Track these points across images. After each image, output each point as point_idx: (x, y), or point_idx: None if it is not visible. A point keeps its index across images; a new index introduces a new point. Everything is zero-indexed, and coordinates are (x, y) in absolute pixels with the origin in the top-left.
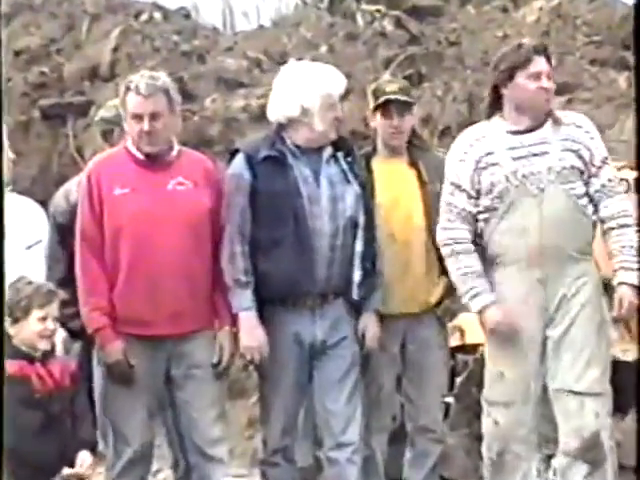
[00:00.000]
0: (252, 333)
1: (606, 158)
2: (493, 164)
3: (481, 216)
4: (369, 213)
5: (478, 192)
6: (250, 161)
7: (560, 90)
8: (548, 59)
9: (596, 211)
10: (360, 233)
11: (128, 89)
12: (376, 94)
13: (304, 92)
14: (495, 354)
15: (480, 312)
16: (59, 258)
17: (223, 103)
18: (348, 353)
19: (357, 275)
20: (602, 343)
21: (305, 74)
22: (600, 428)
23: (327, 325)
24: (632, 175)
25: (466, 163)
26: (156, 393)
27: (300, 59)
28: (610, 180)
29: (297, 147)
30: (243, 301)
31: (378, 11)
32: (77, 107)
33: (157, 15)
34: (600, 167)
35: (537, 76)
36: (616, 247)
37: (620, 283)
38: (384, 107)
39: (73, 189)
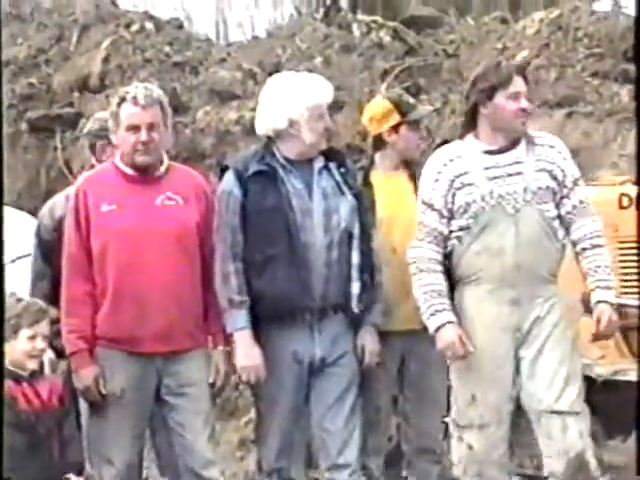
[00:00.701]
0: (248, 353)
1: (578, 179)
2: (469, 184)
3: (454, 235)
4: (365, 224)
5: (451, 212)
6: (240, 177)
7: (560, 103)
8: (526, 79)
9: (568, 233)
10: (356, 244)
11: (123, 100)
12: (402, 108)
13: (290, 104)
14: (465, 376)
15: (436, 331)
16: (44, 274)
17: (216, 115)
18: (347, 370)
19: (355, 287)
20: (576, 362)
21: (290, 85)
22: (585, 447)
23: (327, 342)
24: (634, 190)
25: (440, 183)
26: (144, 413)
27: (295, 70)
28: (581, 202)
29: (287, 160)
30: (238, 321)
31: (375, 22)
32: (66, 119)
33: (149, 25)
34: (572, 188)
35: (516, 97)
36: (591, 267)
37: (598, 302)
38: (415, 120)
39: (58, 205)
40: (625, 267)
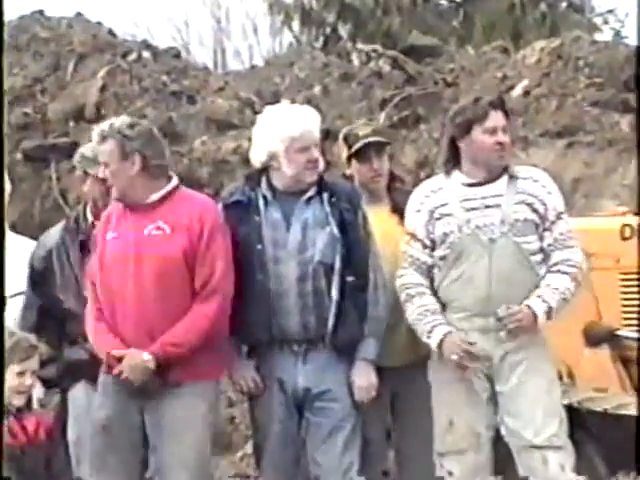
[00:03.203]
0: (241, 364)
1: (561, 213)
2: (447, 215)
3: (436, 265)
4: (357, 256)
5: (433, 242)
6: (225, 208)
7: (561, 133)
8: (506, 114)
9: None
10: (335, 278)
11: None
12: (349, 140)
13: (268, 137)
14: (441, 402)
15: (440, 345)
16: (32, 304)
17: (213, 145)
18: (337, 406)
19: (330, 322)
20: (555, 395)
21: (271, 118)
22: None
23: (311, 372)
24: (635, 221)
25: (421, 213)
26: (132, 449)
27: (293, 100)
28: (562, 234)
29: (274, 191)
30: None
31: (374, 51)
32: (61, 149)
33: (146, 54)
34: (554, 222)
35: (493, 131)
36: (542, 284)
37: (524, 304)
38: (361, 152)
39: (52, 233)
40: (627, 299)
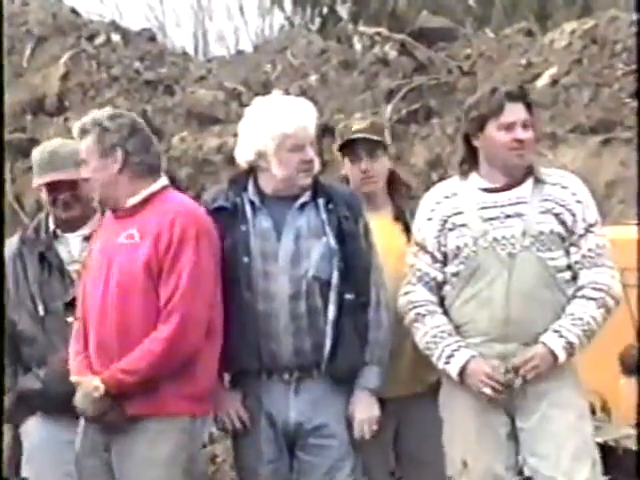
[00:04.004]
0: (224, 396)
1: (592, 225)
2: (461, 225)
3: (448, 282)
4: (356, 272)
5: (445, 256)
6: (209, 214)
7: (595, 129)
8: (528, 106)
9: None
10: (332, 295)
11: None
12: (342, 135)
13: (257, 133)
14: (454, 440)
15: (462, 373)
16: None
17: (194, 142)
18: (335, 443)
19: (327, 346)
20: (586, 433)
21: (261, 112)
22: None
23: (304, 405)
24: None
25: (432, 222)
26: None
27: (286, 90)
28: (591, 250)
29: (262, 195)
30: None
31: (379, 34)
32: (17, 146)
33: (115, 37)
34: (582, 235)
35: (510, 126)
36: (564, 314)
37: (540, 342)
38: (350, 149)
39: (9, 245)
40: None
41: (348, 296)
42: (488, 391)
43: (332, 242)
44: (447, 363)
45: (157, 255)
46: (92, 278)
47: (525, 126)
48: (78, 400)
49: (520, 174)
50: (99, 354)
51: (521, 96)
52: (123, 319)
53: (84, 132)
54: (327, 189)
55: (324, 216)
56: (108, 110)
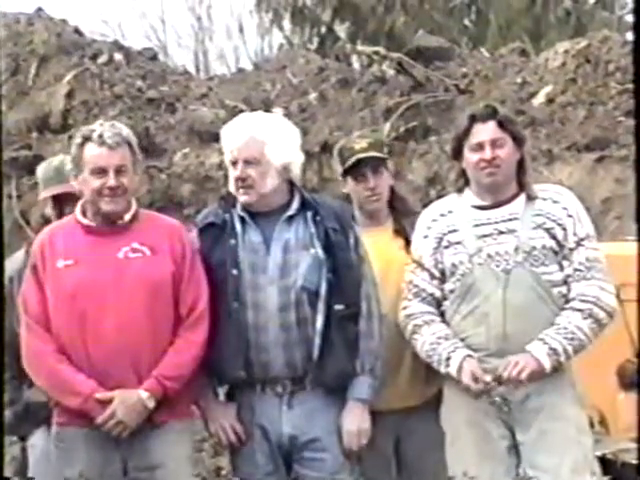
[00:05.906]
0: (220, 410)
1: (583, 239)
2: (456, 243)
3: (447, 298)
4: (345, 283)
5: (442, 273)
6: (200, 231)
7: (590, 146)
8: (501, 124)
9: None
10: (320, 306)
11: (87, 139)
12: (344, 155)
13: (224, 147)
14: (455, 450)
15: (459, 369)
16: None
17: (196, 159)
18: (328, 456)
19: (315, 356)
20: (585, 446)
21: (232, 125)
22: None
23: (298, 418)
24: None
25: (428, 240)
26: None
27: (286, 108)
28: (581, 263)
29: (249, 211)
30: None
31: (377, 53)
32: (23, 163)
33: (118, 56)
34: (573, 249)
35: (479, 147)
36: (554, 323)
37: (526, 351)
38: (355, 169)
39: (15, 259)
40: None
41: (337, 307)
42: (473, 385)
43: (320, 253)
44: (447, 366)
45: (177, 267)
46: (88, 296)
47: (494, 145)
48: (121, 413)
49: (506, 191)
50: (121, 368)
51: (491, 114)
52: (154, 327)
53: (117, 144)
54: (314, 203)
55: (312, 229)
56: (123, 125)
